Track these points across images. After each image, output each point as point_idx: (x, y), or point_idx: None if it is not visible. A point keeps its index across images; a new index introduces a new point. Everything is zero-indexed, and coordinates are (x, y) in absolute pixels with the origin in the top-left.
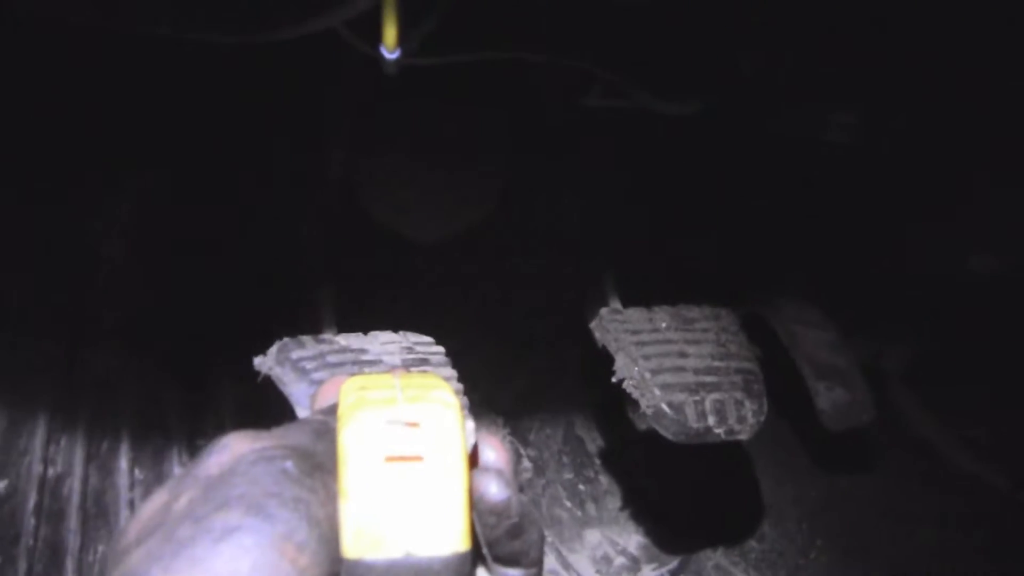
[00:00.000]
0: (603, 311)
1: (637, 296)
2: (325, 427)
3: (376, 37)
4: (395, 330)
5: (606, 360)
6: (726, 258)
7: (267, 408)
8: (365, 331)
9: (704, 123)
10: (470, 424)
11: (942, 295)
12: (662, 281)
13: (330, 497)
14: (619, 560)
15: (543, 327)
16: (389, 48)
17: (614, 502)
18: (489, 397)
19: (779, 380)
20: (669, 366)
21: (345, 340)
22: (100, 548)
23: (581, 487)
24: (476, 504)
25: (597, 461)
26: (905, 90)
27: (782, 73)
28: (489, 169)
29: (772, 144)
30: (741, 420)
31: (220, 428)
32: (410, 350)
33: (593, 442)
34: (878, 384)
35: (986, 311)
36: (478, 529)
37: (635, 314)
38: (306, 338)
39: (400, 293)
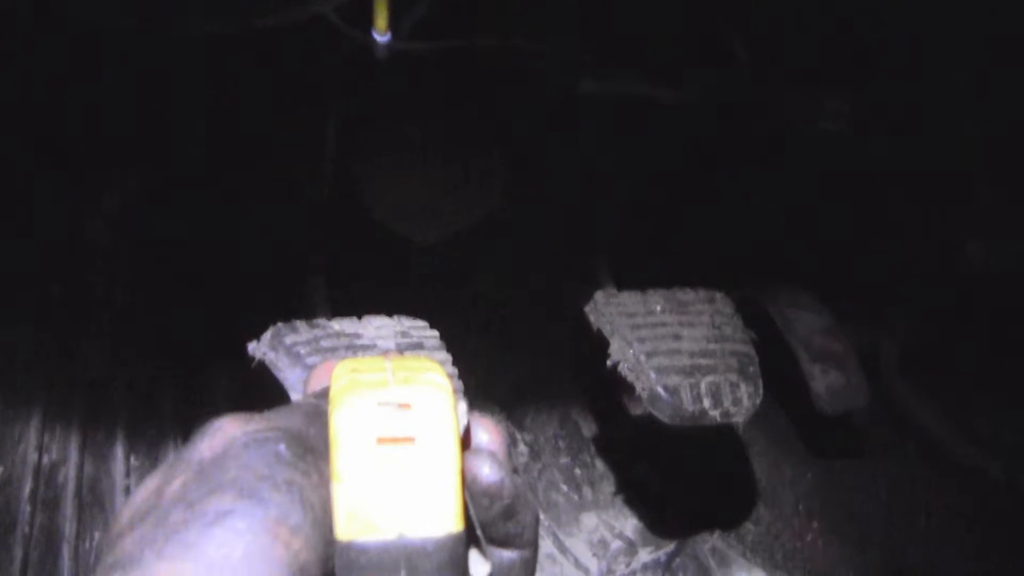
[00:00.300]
0: (597, 294)
1: (631, 280)
2: (317, 410)
3: (366, 23)
4: (390, 315)
5: (601, 344)
6: (722, 243)
7: (262, 394)
8: (359, 317)
9: (700, 110)
10: (462, 406)
11: (939, 283)
12: (657, 265)
13: (323, 480)
14: (616, 544)
15: (539, 314)
16: (380, 32)
17: (610, 486)
18: (485, 383)
19: (774, 364)
20: (664, 349)
21: (339, 325)
22: (96, 535)
23: (577, 471)
24: (469, 486)
25: (593, 446)
26: (899, 77)
27: (777, 59)
28: (487, 168)
29: (768, 131)
30: (736, 403)
31: (215, 414)
32: (404, 334)
33: (589, 427)
34: (874, 371)
35: (983, 299)
36: (471, 511)
37: (629, 297)
38: (300, 323)
39: (395, 281)
